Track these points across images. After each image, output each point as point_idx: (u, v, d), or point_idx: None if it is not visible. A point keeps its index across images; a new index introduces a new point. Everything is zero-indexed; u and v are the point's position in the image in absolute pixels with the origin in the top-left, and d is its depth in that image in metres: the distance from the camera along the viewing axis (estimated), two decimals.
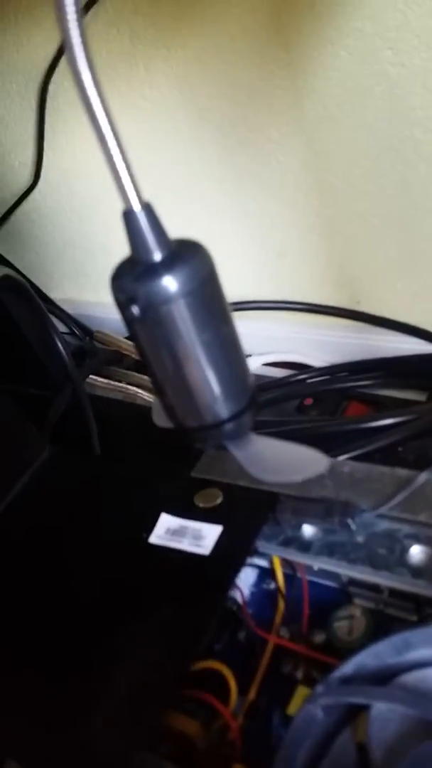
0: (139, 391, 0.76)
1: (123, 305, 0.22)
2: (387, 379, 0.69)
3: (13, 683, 0.40)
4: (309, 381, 0.72)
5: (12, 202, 0.85)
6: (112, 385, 0.78)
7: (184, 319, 0.22)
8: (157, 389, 0.25)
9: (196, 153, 0.67)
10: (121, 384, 0.77)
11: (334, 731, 0.30)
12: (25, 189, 0.83)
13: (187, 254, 0.22)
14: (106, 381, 0.78)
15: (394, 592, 0.39)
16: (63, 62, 0.66)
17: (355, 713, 0.31)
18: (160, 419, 0.28)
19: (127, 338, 0.78)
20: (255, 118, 0.63)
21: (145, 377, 0.76)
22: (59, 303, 0.91)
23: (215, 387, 0.24)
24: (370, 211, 0.62)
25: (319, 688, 0.30)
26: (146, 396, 0.75)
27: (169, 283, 0.21)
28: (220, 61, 0.61)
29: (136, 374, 0.77)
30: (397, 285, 0.67)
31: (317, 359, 0.74)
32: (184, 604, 0.40)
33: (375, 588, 0.40)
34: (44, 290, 0.91)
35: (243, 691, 0.40)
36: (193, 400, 0.25)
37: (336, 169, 0.62)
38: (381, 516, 0.39)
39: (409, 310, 0.67)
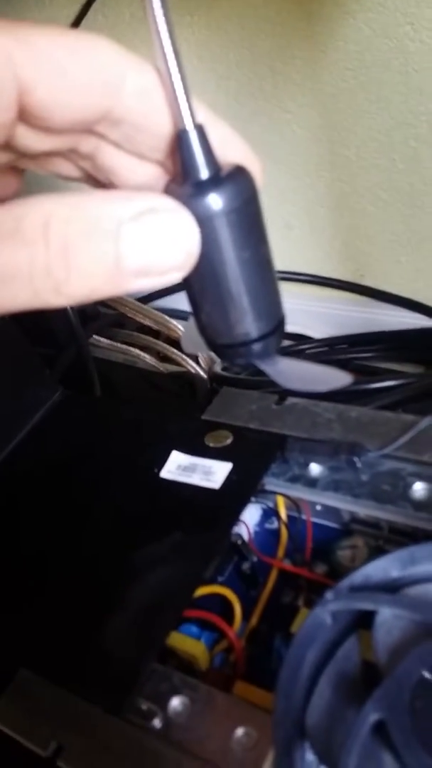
0: (142, 353, 0.77)
1: None
2: (386, 353, 0.71)
3: (29, 598, 0.41)
4: (308, 352, 0.74)
5: None
6: (115, 346, 0.79)
7: (227, 235, 0.23)
8: (193, 306, 0.27)
9: None
10: (123, 346, 0.79)
11: (339, 640, 0.32)
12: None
13: (233, 174, 0.23)
14: (109, 342, 0.80)
15: (394, 529, 0.41)
16: (85, 22, 0.67)
17: (359, 625, 0.33)
18: (189, 345, 0.29)
19: (138, 301, 0.80)
20: (272, 88, 0.65)
21: (149, 338, 0.78)
22: None
23: (248, 305, 0.25)
24: (380, 185, 0.65)
25: (329, 595, 0.32)
26: (148, 359, 0.77)
27: (215, 199, 0.22)
28: (241, 30, 0.63)
29: (140, 335, 0.79)
30: (402, 259, 0.69)
31: (318, 331, 0.76)
32: (194, 532, 0.42)
33: (376, 525, 0.42)
34: None
35: (245, 619, 0.42)
36: (226, 316, 0.26)
37: (349, 141, 0.63)
38: (386, 456, 0.41)
39: (412, 285, 0.69)
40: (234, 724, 0.33)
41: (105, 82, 0.19)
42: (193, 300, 0.26)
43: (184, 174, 0.23)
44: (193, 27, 0.64)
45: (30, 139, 0.20)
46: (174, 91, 0.21)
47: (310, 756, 0.30)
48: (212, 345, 0.27)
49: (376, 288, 0.71)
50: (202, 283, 0.25)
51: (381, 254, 0.70)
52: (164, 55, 0.21)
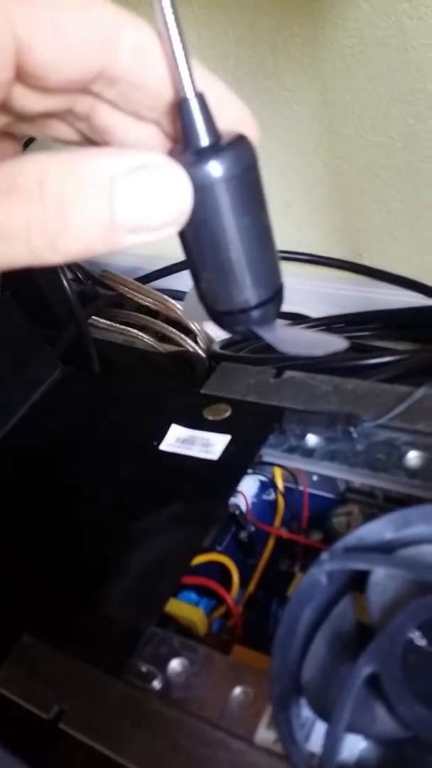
0: (140, 333, 0.78)
1: None
2: (383, 331, 0.71)
3: (31, 565, 0.42)
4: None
5: (22, 142, 0.86)
6: (114, 327, 0.80)
7: (226, 202, 0.23)
8: (193, 273, 0.27)
9: None
10: (122, 326, 0.79)
11: (334, 600, 0.33)
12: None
13: (233, 142, 0.24)
14: (108, 323, 0.80)
15: (388, 498, 0.42)
16: None
17: (354, 586, 0.34)
18: (190, 314, 0.29)
19: (137, 281, 0.80)
20: (272, 66, 0.65)
21: (148, 318, 0.78)
22: None
23: (247, 272, 0.26)
24: (378, 163, 0.65)
25: (324, 555, 0.32)
26: (147, 339, 0.77)
27: (215, 166, 0.23)
28: (241, 7, 0.63)
29: (139, 315, 0.79)
30: (399, 238, 0.69)
31: (315, 310, 0.77)
32: (193, 502, 0.42)
33: (370, 494, 0.42)
34: None
35: (243, 586, 0.43)
36: (226, 284, 0.26)
37: (348, 119, 0.64)
38: (381, 426, 0.42)
39: (409, 264, 0.70)
40: (231, 684, 0.34)
41: (101, 40, 0.19)
42: (193, 268, 0.26)
43: (184, 141, 0.23)
44: (193, 5, 0.64)
45: (27, 99, 0.20)
46: (175, 58, 0.21)
47: (306, 711, 0.30)
48: (212, 312, 0.28)
49: (374, 267, 0.72)
50: (201, 249, 0.25)
51: (378, 233, 0.71)
52: (165, 23, 0.21)
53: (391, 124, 0.62)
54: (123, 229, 0.19)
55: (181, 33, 0.21)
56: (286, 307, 0.76)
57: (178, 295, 0.77)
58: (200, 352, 0.71)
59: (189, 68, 0.22)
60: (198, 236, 0.25)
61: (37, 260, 0.19)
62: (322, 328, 0.74)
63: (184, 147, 0.23)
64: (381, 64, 0.59)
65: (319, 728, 0.30)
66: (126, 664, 0.36)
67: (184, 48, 0.22)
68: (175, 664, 0.36)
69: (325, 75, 0.62)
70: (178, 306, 0.75)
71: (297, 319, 0.76)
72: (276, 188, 0.72)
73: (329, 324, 0.74)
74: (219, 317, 0.28)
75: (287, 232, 0.75)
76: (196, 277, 0.27)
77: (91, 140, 0.24)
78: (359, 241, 0.73)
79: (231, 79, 0.63)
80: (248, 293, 0.26)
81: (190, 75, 0.22)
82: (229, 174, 0.23)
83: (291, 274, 0.77)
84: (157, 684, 0.35)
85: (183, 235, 0.25)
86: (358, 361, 0.58)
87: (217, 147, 0.23)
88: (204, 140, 0.23)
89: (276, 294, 0.27)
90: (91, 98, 0.22)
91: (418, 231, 0.68)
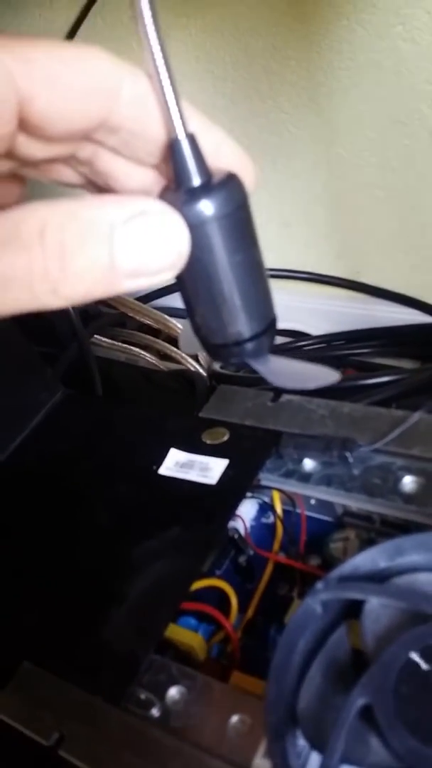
0: (142, 352, 0.78)
1: None
2: (382, 348, 0.72)
3: (32, 593, 0.42)
4: (306, 348, 0.75)
5: None
6: (116, 345, 0.80)
7: (218, 239, 0.24)
8: (188, 308, 0.27)
9: None
10: (124, 345, 0.80)
11: (329, 629, 0.33)
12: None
13: (224, 181, 0.24)
14: (110, 341, 0.81)
15: (385, 522, 0.42)
16: (85, 25, 0.68)
17: (349, 615, 0.34)
18: (187, 346, 0.30)
19: (138, 300, 0.81)
20: (268, 89, 0.66)
21: (149, 337, 0.79)
22: None
23: (240, 306, 0.26)
24: (375, 183, 0.65)
25: (319, 585, 0.33)
26: (149, 357, 0.77)
27: (207, 205, 0.23)
28: (237, 31, 0.63)
29: (141, 334, 0.80)
30: (398, 256, 0.70)
31: (315, 328, 0.77)
32: (192, 526, 0.43)
33: (368, 518, 0.43)
34: None
35: (242, 611, 0.43)
36: (219, 317, 0.27)
37: (344, 140, 0.64)
38: (377, 450, 0.42)
39: (408, 282, 0.70)
40: (229, 712, 0.34)
41: (101, 91, 0.20)
42: (187, 302, 0.27)
43: (176, 181, 0.24)
44: (189, 29, 0.65)
45: (31, 148, 0.21)
46: (165, 100, 0.22)
47: (301, 741, 0.31)
48: (207, 345, 0.28)
49: (373, 285, 0.72)
50: (195, 285, 0.25)
51: (377, 251, 0.71)
52: (155, 66, 0.21)
53: (387, 145, 0.62)
54: (123, 275, 0.19)
55: (171, 74, 0.22)
56: (286, 325, 0.76)
57: (178, 314, 0.77)
58: (201, 371, 0.71)
59: (179, 109, 0.22)
60: (191, 272, 0.25)
61: (40, 305, 0.20)
62: (322, 345, 0.74)
63: (176, 186, 0.24)
64: (376, 86, 0.59)
65: (315, 758, 0.30)
66: (125, 692, 0.36)
67: (175, 90, 0.22)
68: (174, 692, 0.36)
69: (321, 97, 0.63)
70: (179, 325, 0.75)
71: (297, 336, 0.76)
72: (275, 208, 0.73)
73: (329, 341, 0.74)
74: (214, 349, 0.28)
75: (286, 251, 0.75)
76: (191, 311, 0.27)
77: (93, 183, 0.24)
78: (358, 259, 0.73)
79: (228, 102, 0.65)
80: (241, 326, 0.27)
81: (181, 116, 0.22)
82: (220, 213, 0.23)
83: (291, 293, 0.78)
84: (155, 712, 0.36)
85: (178, 275, 0.26)
86: (356, 382, 0.58)
87: (209, 186, 0.23)
88: (195, 180, 0.23)
89: (269, 326, 0.28)
90: (93, 145, 0.22)
91: (416, 249, 0.68)
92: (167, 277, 0.21)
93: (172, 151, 0.23)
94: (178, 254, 0.21)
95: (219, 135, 0.23)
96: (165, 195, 0.24)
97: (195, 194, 0.23)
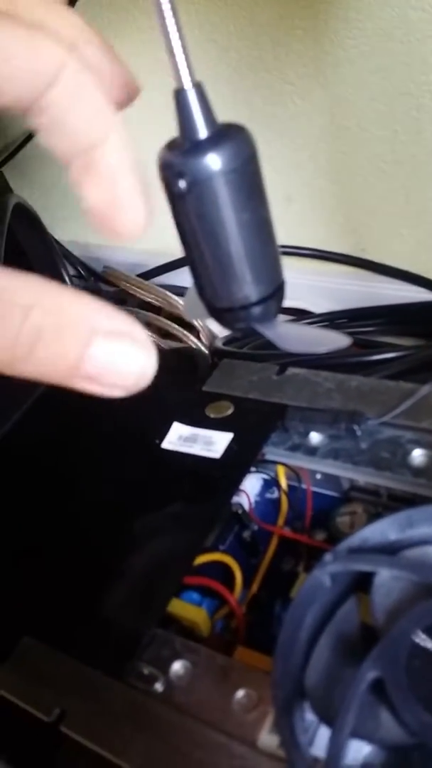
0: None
1: (169, 180, 0.24)
2: (386, 326, 0.71)
3: (31, 566, 0.42)
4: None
5: (21, 139, 0.85)
6: None
7: (226, 196, 0.23)
8: (193, 270, 0.27)
9: (212, 93, 0.68)
10: None
11: (338, 601, 0.33)
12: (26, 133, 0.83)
13: (232, 134, 0.23)
14: None
15: (393, 496, 0.41)
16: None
17: (358, 588, 0.33)
18: (191, 312, 0.29)
19: (139, 277, 0.79)
20: (273, 60, 0.64)
21: (150, 314, 0.78)
22: (64, 244, 0.91)
23: (247, 268, 0.25)
24: (382, 157, 0.64)
25: (328, 557, 0.32)
26: (150, 335, 0.76)
27: (214, 159, 0.22)
28: (242, 0, 0.62)
29: (142, 311, 0.79)
30: (403, 232, 0.68)
31: (319, 305, 0.76)
32: (195, 500, 0.42)
33: (375, 493, 0.42)
34: (49, 230, 0.91)
35: (246, 586, 0.42)
36: (226, 279, 0.26)
37: (351, 112, 0.63)
38: (385, 424, 0.41)
39: (413, 259, 0.69)
40: (234, 687, 0.34)
41: (38, 75, 0.20)
42: (192, 264, 0.26)
43: (181, 133, 0.22)
44: None
45: None
46: (172, 48, 0.21)
47: (309, 715, 0.30)
48: (212, 309, 0.27)
49: (378, 262, 0.71)
50: (200, 245, 0.24)
51: (382, 227, 0.70)
52: (161, 11, 0.21)
53: (396, 117, 0.61)
54: (80, 376, 0.20)
55: (178, 23, 0.21)
56: (288, 303, 0.75)
57: (180, 291, 0.76)
58: (203, 348, 0.70)
59: (186, 58, 0.21)
60: (196, 231, 0.24)
61: None
62: (325, 323, 0.73)
63: (182, 139, 0.23)
64: (384, 56, 0.58)
65: (323, 732, 0.30)
66: (127, 666, 0.35)
67: (181, 37, 0.21)
68: (178, 667, 0.36)
69: (327, 68, 0.61)
70: (180, 302, 0.74)
71: (300, 314, 0.75)
72: (278, 183, 0.71)
73: (332, 319, 0.73)
74: (219, 314, 0.27)
75: (289, 227, 0.74)
76: (196, 274, 0.26)
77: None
78: (363, 235, 0.72)
79: (232, 72, 0.63)
80: (249, 289, 0.26)
81: (188, 64, 0.21)
82: (227, 167, 0.22)
83: (294, 269, 0.77)
84: (159, 686, 0.35)
85: (181, 230, 0.25)
86: (361, 358, 0.57)
87: (216, 139, 0.22)
88: (202, 132, 0.22)
89: (277, 290, 0.27)
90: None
91: (423, 226, 0.67)
92: (117, 396, 0.21)
93: (177, 101, 0.22)
94: (136, 384, 0.21)
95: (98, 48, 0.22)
96: (170, 147, 0.23)
97: (201, 147, 0.22)
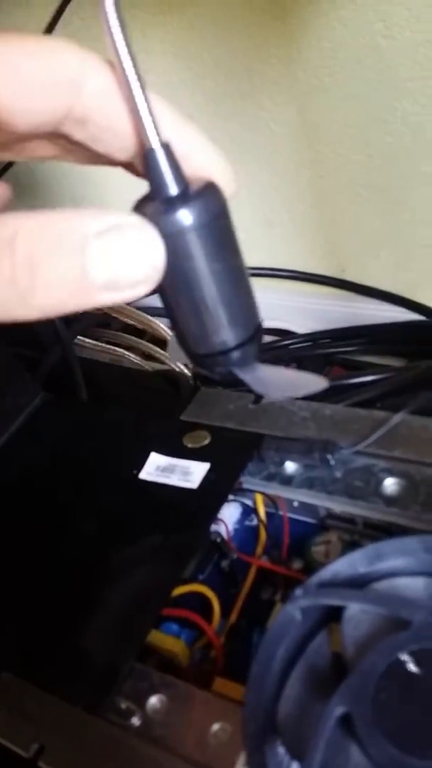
0: (127, 353, 0.77)
1: None
2: (368, 346, 0.71)
3: (10, 601, 0.42)
4: (292, 347, 0.74)
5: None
6: (100, 346, 0.80)
7: (198, 249, 0.23)
8: (171, 319, 0.27)
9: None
10: (108, 346, 0.79)
11: (309, 635, 0.33)
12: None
13: (202, 190, 0.24)
14: (94, 342, 0.80)
15: (368, 524, 0.42)
16: (61, 23, 0.67)
17: (329, 620, 0.33)
18: (174, 356, 0.30)
19: None
20: (249, 87, 0.65)
21: (133, 338, 0.78)
22: None
23: (223, 315, 0.26)
24: (358, 181, 0.65)
25: (298, 591, 0.32)
26: (133, 358, 0.77)
27: (185, 215, 0.23)
28: (216, 29, 0.63)
29: (125, 335, 0.79)
30: (381, 254, 0.69)
31: (301, 326, 0.77)
32: (173, 531, 0.42)
33: (350, 521, 0.42)
34: None
35: (224, 615, 0.43)
36: (202, 327, 0.26)
37: (326, 138, 0.64)
38: (358, 453, 0.42)
39: (392, 279, 0.70)
40: (211, 720, 0.34)
41: (63, 82, 0.20)
42: (170, 312, 0.26)
43: (153, 190, 0.23)
44: (167, 26, 0.65)
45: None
46: (137, 109, 0.21)
47: (281, 749, 0.30)
48: (192, 355, 0.28)
49: (358, 282, 0.72)
50: (176, 296, 0.25)
51: (361, 249, 0.71)
52: (124, 72, 0.21)
53: (370, 142, 0.62)
54: (95, 288, 0.19)
55: (141, 81, 0.21)
56: (271, 323, 0.76)
57: (162, 314, 0.76)
58: (185, 371, 0.71)
59: (152, 117, 0.22)
60: (172, 283, 0.25)
61: (8, 315, 0.19)
62: (307, 343, 0.74)
63: (153, 196, 0.23)
64: (357, 83, 0.59)
65: (295, 766, 0.30)
66: (105, 702, 0.36)
67: (145, 96, 0.21)
68: (154, 701, 0.36)
69: (302, 95, 0.62)
70: (162, 325, 0.75)
71: (282, 335, 0.76)
72: (258, 207, 0.72)
73: (315, 339, 0.74)
74: (199, 360, 0.28)
75: (271, 250, 0.75)
76: (174, 322, 0.27)
77: (72, 152, 0.24)
78: (342, 257, 0.73)
79: (209, 100, 0.64)
80: (225, 335, 0.26)
81: (154, 124, 0.22)
82: (198, 222, 0.23)
83: (276, 291, 0.77)
84: (136, 721, 0.35)
85: (158, 285, 0.25)
86: (341, 381, 0.58)
87: (186, 196, 0.23)
88: (172, 189, 0.23)
89: (255, 333, 0.27)
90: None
91: (400, 247, 0.68)
92: (143, 291, 0.20)
93: (146, 160, 0.23)
94: (153, 268, 0.20)
95: (193, 134, 0.23)
96: (141, 205, 0.24)
97: (172, 204, 0.23)
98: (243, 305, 0.26)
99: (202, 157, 0.23)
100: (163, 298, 0.25)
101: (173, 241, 0.23)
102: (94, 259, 0.18)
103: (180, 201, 0.22)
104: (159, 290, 0.25)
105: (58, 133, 0.21)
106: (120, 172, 0.24)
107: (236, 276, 0.25)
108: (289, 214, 0.72)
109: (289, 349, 0.74)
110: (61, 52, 0.20)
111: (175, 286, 0.24)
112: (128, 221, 0.20)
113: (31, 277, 0.18)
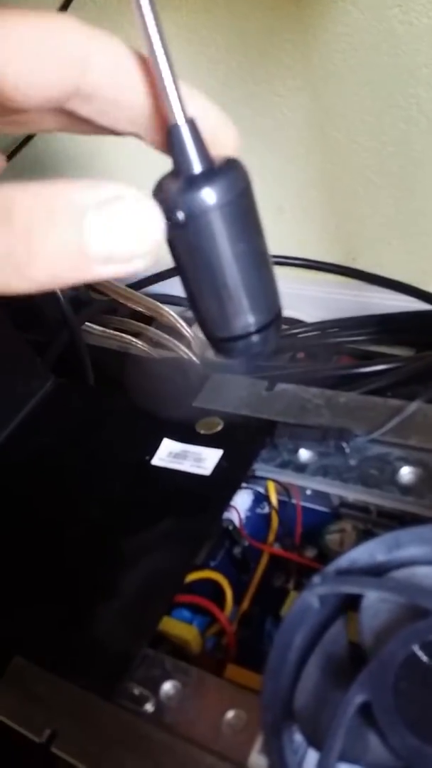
0: (134, 340, 0.77)
1: (165, 214, 0.24)
2: (377, 335, 0.71)
3: (24, 586, 0.42)
4: (301, 336, 0.74)
5: (13, 147, 0.85)
6: (108, 333, 0.79)
7: (221, 228, 0.23)
8: (191, 301, 0.27)
9: None
10: (116, 332, 0.79)
11: (327, 623, 0.33)
12: (26, 134, 0.83)
13: (226, 168, 0.23)
14: (101, 329, 0.80)
15: (382, 513, 0.41)
16: (74, 5, 0.66)
17: (347, 609, 0.33)
18: (199, 349, 0.29)
19: (130, 287, 0.79)
20: (262, 72, 0.64)
21: (141, 324, 0.78)
22: None
23: (245, 298, 0.25)
24: (371, 168, 0.64)
25: (316, 579, 0.32)
26: (141, 345, 0.76)
27: (209, 193, 0.22)
28: (230, 13, 0.62)
29: (132, 322, 0.79)
30: (393, 242, 0.69)
31: (310, 315, 0.76)
32: (186, 517, 0.42)
33: (365, 509, 0.42)
34: None
35: (237, 603, 0.42)
36: (224, 309, 0.26)
37: (339, 124, 0.63)
38: (374, 441, 0.42)
39: (403, 268, 0.69)
40: (225, 707, 0.34)
41: (71, 59, 0.19)
42: (190, 295, 0.26)
43: (176, 168, 0.23)
44: (181, 10, 0.64)
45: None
46: (164, 85, 0.21)
47: (298, 737, 0.30)
48: (212, 340, 0.27)
49: (368, 271, 0.71)
50: (198, 277, 0.25)
51: (372, 237, 0.70)
52: (152, 48, 0.20)
53: (384, 129, 0.61)
54: (93, 260, 0.19)
55: (169, 58, 0.21)
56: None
57: (170, 301, 0.76)
58: (194, 358, 0.70)
59: (178, 94, 0.21)
60: (194, 264, 0.24)
61: (5, 287, 0.19)
62: (316, 332, 0.74)
63: (177, 173, 0.23)
64: (372, 69, 0.58)
65: (312, 755, 0.30)
66: (118, 688, 0.35)
67: (173, 73, 0.21)
68: (168, 687, 0.36)
69: (316, 80, 0.62)
70: (171, 312, 0.74)
71: (292, 323, 0.75)
72: (269, 194, 0.71)
73: (324, 329, 0.74)
74: (219, 344, 0.28)
75: (281, 237, 0.74)
76: (194, 305, 0.26)
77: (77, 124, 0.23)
78: (353, 245, 0.72)
79: (222, 85, 0.63)
80: (247, 319, 0.26)
81: (180, 101, 0.22)
82: (222, 201, 0.22)
83: (285, 279, 0.76)
84: (149, 707, 0.35)
85: (179, 263, 0.25)
86: (351, 370, 0.58)
87: (210, 173, 0.22)
88: (196, 167, 0.22)
89: (275, 318, 0.27)
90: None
91: (412, 235, 0.67)
92: (142, 266, 0.20)
93: (170, 136, 0.22)
94: (152, 241, 0.20)
95: (201, 101, 0.23)
96: (165, 183, 0.24)
97: (196, 182, 0.22)
98: (265, 288, 0.25)
99: (210, 119, 0.23)
100: (184, 280, 0.25)
101: (196, 220, 0.22)
102: (92, 230, 0.18)
103: (204, 179, 0.22)
104: (180, 272, 0.25)
105: (63, 108, 0.21)
106: (129, 149, 0.24)
107: (259, 257, 0.25)
108: (300, 200, 0.71)
109: (297, 338, 0.74)
110: (66, 28, 0.19)
111: (196, 267, 0.24)
112: (127, 193, 0.19)
113: (28, 248, 0.18)
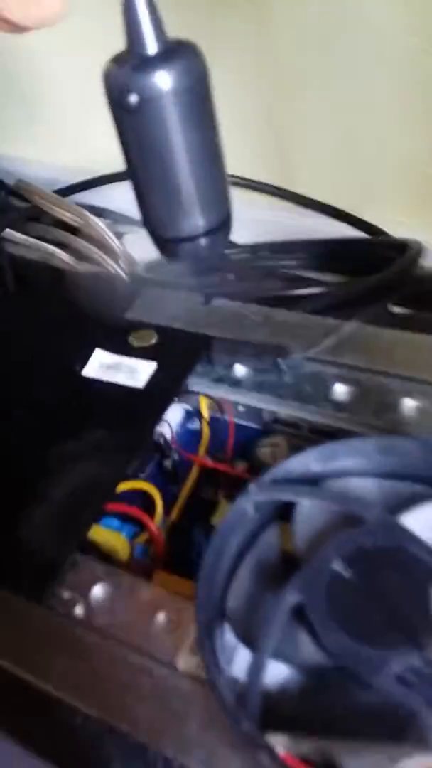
0: (57, 250, 0.74)
1: (115, 96, 0.22)
2: (309, 261, 0.71)
3: None
4: (232, 257, 0.73)
5: None
6: (29, 242, 0.76)
7: (174, 116, 0.22)
8: (138, 195, 0.26)
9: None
10: (37, 242, 0.75)
11: (260, 530, 0.34)
12: None
13: (183, 51, 0.22)
14: (23, 237, 0.76)
15: (313, 430, 0.42)
16: None
17: (281, 517, 0.34)
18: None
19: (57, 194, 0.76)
20: None
21: (67, 234, 0.74)
22: None
23: (195, 193, 0.25)
24: (314, 75, 0.63)
25: (252, 486, 0.33)
26: (64, 256, 0.74)
27: (164, 77, 0.21)
28: None
29: (57, 230, 0.75)
30: (327, 167, 0.68)
31: (241, 236, 0.75)
32: (117, 429, 0.42)
33: (295, 426, 0.43)
34: None
35: (166, 514, 0.43)
36: (173, 205, 0.25)
37: (286, 46, 0.61)
38: (309, 359, 0.42)
39: (341, 195, 0.69)
40: (154, 610, 0.34)
41: None
42: (137, 189, 0.25)
43: (129, 45, 0.21)
44: None
45: None
46: None
47: (230, 637, 0.31)
48: (158, 240, 0.27)
49: (302, 194, 0.71)
50: (148, 168, 0.24)
51: (309, 160, 0.69)
52: None
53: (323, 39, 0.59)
54: None
55: None
56: None
57: (100, 213, 0.73)
58: (122, 274, 0.68)
59: None
60: (144, 153, 0.23)
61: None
62: (247, 254, 0.73)
63: (129, 51, 0.22)
64: None
65: (242, 653, 0.31)
66: (47, 590, 0.35)
67: None
68: (98, 591, 0.36)
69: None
70: (99, 223, 0.71)
71: None
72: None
73: (255, 251, 0.73)
74: (165, 244, 0.27)
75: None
76: (141, 200, 0.25)
77: None
78: (291, 168, 0.71)
79: None
80: (196, 219, 0.25)
81: None
82: (178, 86, 0.21)
83: None
84: (79, 610, 0.35)
85: (126, 149, 0.24)
86: (287, 291, 0.58)
87: (166, 55, 0.21)
88: (151, 47, 0.21)
89: (225, 223, 0.27)
90: None
91: (351, 164, 0.67)
92: (50, 15, 0.20)
93: (125, 11, 0.21)
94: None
95: None
96: (117, 61, 0.22)
97: (150, 63, 0.21)
98: (216, 188, 0.25)
99: None
100: (132, 172, 0.24)
101: (148, 104, 0.21)
102: None
103: (159, 61, 0.21)
104: (128, 162, 0.24)
105: None
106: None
107: (212, 152, 0.24)
108: (245, 120, 0.69)
109: (228, 258, 0.73)
110: None
111: (146, 156, 0.23)
112: None
113: None
